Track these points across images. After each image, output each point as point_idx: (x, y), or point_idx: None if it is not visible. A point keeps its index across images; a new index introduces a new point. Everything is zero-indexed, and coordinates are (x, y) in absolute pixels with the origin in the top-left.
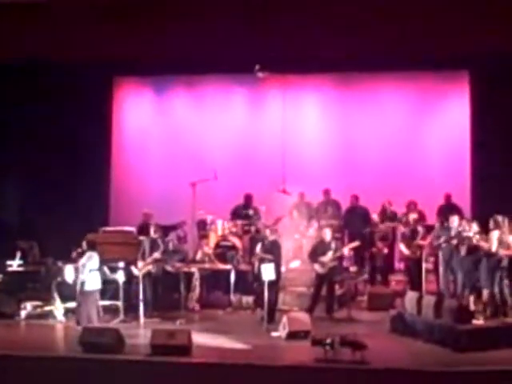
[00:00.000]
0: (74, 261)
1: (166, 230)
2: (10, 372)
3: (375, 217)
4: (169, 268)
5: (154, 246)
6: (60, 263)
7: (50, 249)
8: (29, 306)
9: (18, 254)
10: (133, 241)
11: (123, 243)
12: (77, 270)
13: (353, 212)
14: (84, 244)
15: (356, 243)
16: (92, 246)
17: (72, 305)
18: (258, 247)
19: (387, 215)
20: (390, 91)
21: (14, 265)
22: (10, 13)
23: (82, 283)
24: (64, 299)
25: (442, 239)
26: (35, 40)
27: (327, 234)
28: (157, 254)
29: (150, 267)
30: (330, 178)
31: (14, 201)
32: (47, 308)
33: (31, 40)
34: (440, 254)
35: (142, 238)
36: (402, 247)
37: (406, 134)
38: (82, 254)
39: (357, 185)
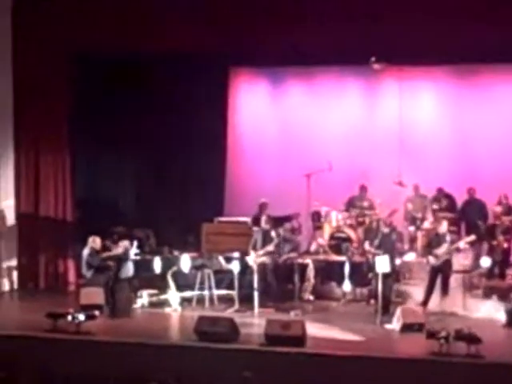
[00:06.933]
0: (104, 251)
1: (280, 220)
2: (126, 359)
3: (498, 209)
4: (281, 259)
5: (266, 238)
6: (176, 252)
7: (166, 238)
8: (145, 295)
9: (135, 243)
10: (247, 231)
11: (237, 234)
12: (105, 261)
13: (470, 205)
14: (115, 235)
15: (472, 237)
16: (122, 237)
17: (188, 294)
18: (367, 243)
19: (503, 209)
20: (508, 83)
21: (131, 253)
22: (131, 4)
23: (118, 272)
24: (180, 288)
25: None
26: (150, 30)
27: (443, 227)
28: (270, 247)
29: (263, 259)
30: (445, 171)
31: (132, 191)
32: (163, 297)
33: (145, 30)
34: None
35: (257, 228)
36: None
37: None
38: (108, 247)
39: (472, 177)
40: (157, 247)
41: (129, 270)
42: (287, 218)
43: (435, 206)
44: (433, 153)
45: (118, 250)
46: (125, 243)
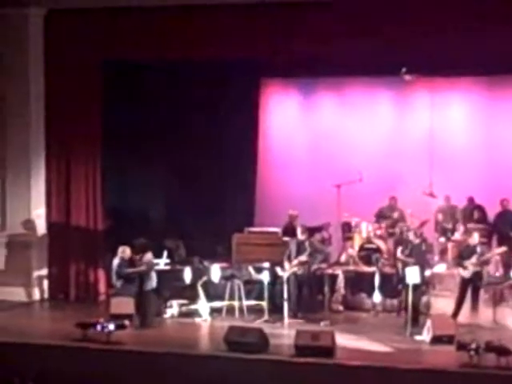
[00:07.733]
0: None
1: (310, 231)
2: (156, 369)
3: None
4: (311, 269)
5: (300, 248)
6: (206, 262)
7: (196, 248)
8: (175, 305)
9: (165, 254)
10: (278, 242)
11: (268, 244)
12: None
13: (502, 216)
14: (138, 249)
15: (503, 249)
16: (144, 249)
17: (218, 304)
18: (399, 250)
19: None
20: None
21: (161, 264)
22: (160, 14)
23: (146, 284)
24: (210, 298)
25: None
26: (180, 40)
27: (474, 238)
28: (303, 257)
29: (295, 269)
30: (476, 182)
31: (162, 201)
32: (193, 307)
33: (176, 39)
34: None
35: (287, 239)
36: None
37: None
38: (136, 261)
39: (504, 189)
40: (187, 257)
41: (153, 281)
42: (317, 229)
43: (467, 217)
44: (464, 164)
45: (142, 267)
46: (148, 256)
